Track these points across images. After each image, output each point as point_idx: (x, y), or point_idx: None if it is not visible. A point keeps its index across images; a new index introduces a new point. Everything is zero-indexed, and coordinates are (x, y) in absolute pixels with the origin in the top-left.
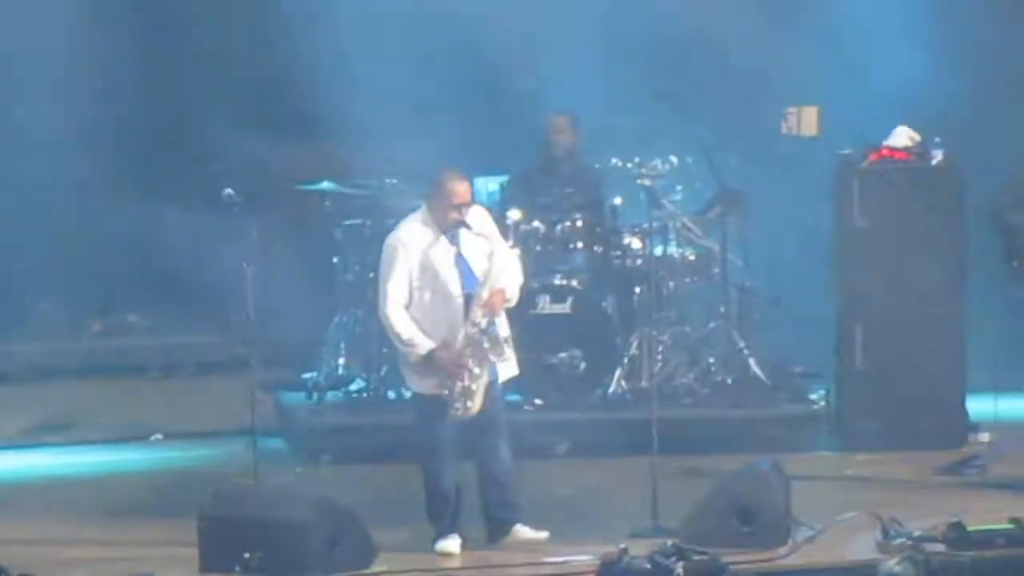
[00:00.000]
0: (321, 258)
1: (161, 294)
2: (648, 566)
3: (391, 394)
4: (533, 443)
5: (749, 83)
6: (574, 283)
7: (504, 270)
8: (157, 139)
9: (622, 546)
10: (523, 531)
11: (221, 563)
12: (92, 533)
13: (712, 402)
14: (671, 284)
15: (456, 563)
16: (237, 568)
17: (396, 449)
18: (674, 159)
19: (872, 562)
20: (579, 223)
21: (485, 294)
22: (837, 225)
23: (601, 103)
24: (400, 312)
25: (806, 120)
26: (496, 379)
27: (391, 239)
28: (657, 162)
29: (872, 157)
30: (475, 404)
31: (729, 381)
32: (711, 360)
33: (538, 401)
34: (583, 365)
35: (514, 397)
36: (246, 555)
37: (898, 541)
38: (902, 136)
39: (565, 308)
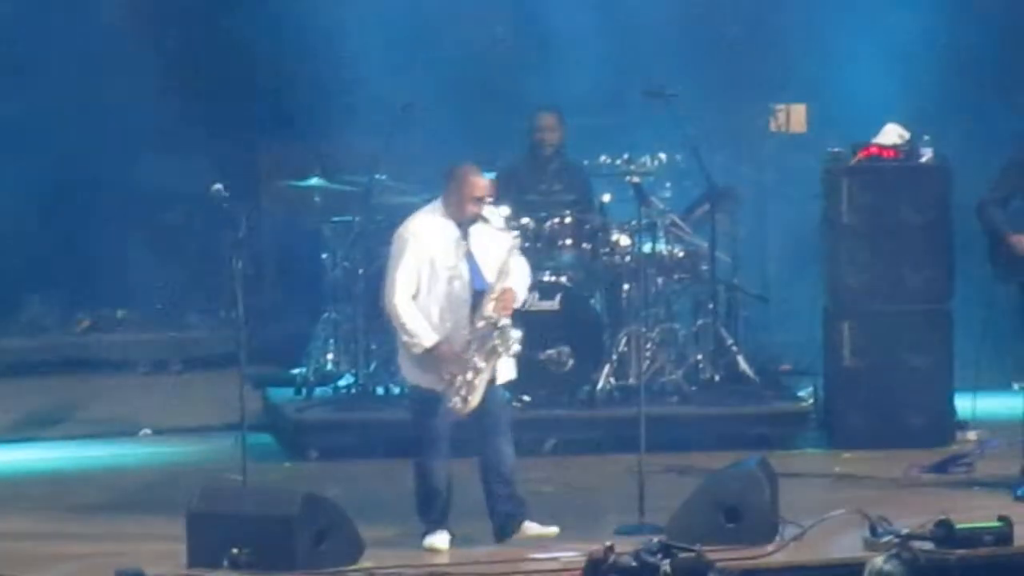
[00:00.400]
0: (310, 254)
1: (149, 290)
2: (634, 563)
3: (379, 390)
4: (520, 440)
5: (737, 81)
6: (562, 280)
7: (516, 270)
8: (146, 135)
9: (608, 544)
10: (533, 527)
11: (208, 559)
12: (79, 528)
13: (700, 399)
14: (659, 281)
15: (443, 559)
16: (225, 564)
17: (384, 445)
18: (663, 156)
19: (859, 560)
20: (567, 220)
21: (499, 288)
22: (825, 222)
23: (590, 100)
24: (408, 303)
25: (794, 117)
26: (500, 375)
27: (403, 229)
28: (646, 159)
29: (860, 155)
30: (474, 399)
31: (717, 378)
32: (699, 357)
33: (525, 398)
34: (571, 362)
35: None
36: (234, 551)
37: (885, 539)
38: (891, 134)
39: (553, 305)
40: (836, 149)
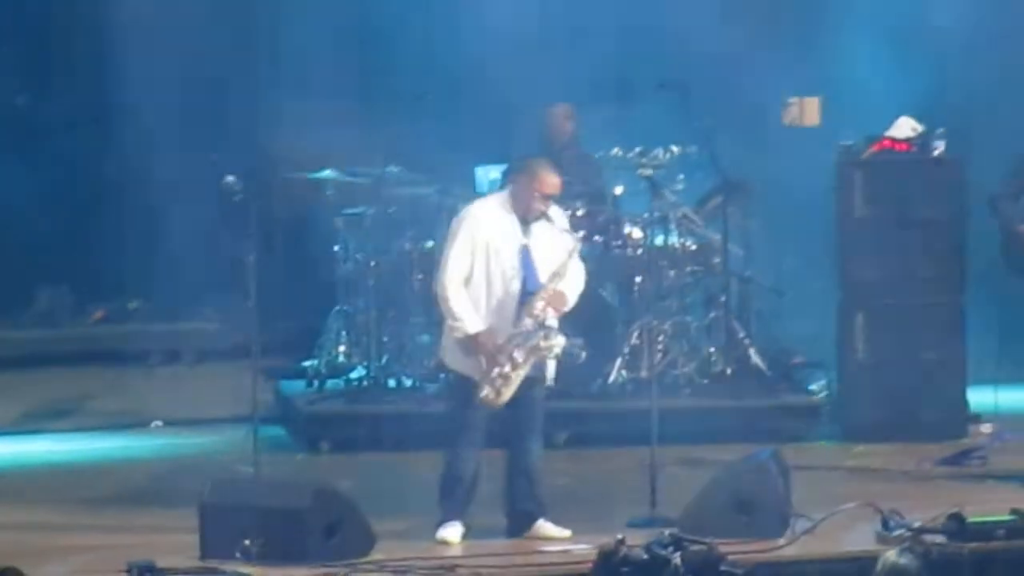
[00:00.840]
0: (322, 246)
1: (162, 281)
2: (646, 556)
3: (391, 382)
4: None
5: (751, 73)
6: None
7: (571, 273)
8: (158, 126)
9: (620, 536)
10: (547, 527)
11: (220, 550)
12: (91, 520)
13: (712, 392)
14: (672, 274)
15: (454, 552)
16: (237, 555)
17: (396, 437)
18: (675, 149)
19: (872, 553)
20: (580, 212)
21: (551, 288)
22: (838, 216)
23: (603, 93)
24: (458, 286)
25: (808, 110)
26: (542, 375)
27: (464, 212)
28: (658, 152)
29: (873, 148)
30: (507, 393)
31: (729, 371)
32: (711, 350)
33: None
34: (583, 354)
35: None
36: (245, 542)
37: (898, 532)
38: (904, 127)
39: None
40: (849, 142)
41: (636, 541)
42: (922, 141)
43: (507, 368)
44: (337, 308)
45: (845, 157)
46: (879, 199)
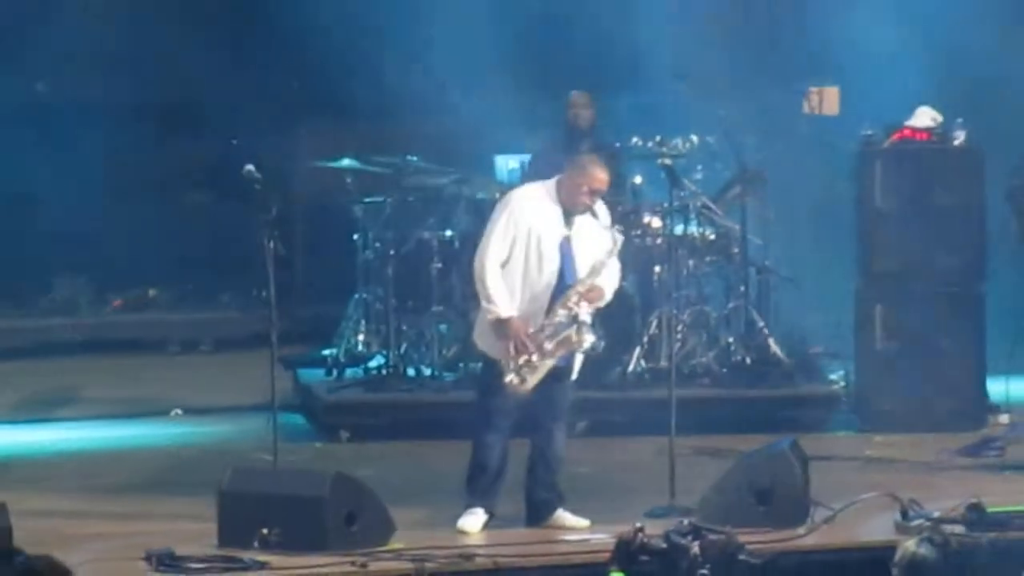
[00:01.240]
0: (341, 235)
1: (181, 270)
2: (664, 545)
3: (410, 371)
4: None
5: (770, 62)
6: None
7: (608, 270)
8: (179, 114)
9: (638, 525)
10: (565, 517)
11: (239, 539)
12: (110, 508)
13: (731, 382)
14: (691, 263)
15: (474, 540)
16: (255, 544)
17: (415, 426)
18: (695, 139)
19: (890, 543)
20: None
21: (588, 282)
22: (858, 205)
23: (622, 82)
24: (495, 268)
25: (827, 100)
26: (569, 367)
27: (511, 194)
28: (678, 141)
29: (893, 137)
30: (531, 381)
31: (748, 361)
32: (730, 340)
33: None
34: (602, 344)
35: None
36: (264, 531)
37: (917, 522)
38: (924, 116)
39: None
40: (869, 132)
41: (654, 531)
42: (942, 130)
43: (535, 357)
44: (356, 297)
45: (865, 147)
46: (899, 189)
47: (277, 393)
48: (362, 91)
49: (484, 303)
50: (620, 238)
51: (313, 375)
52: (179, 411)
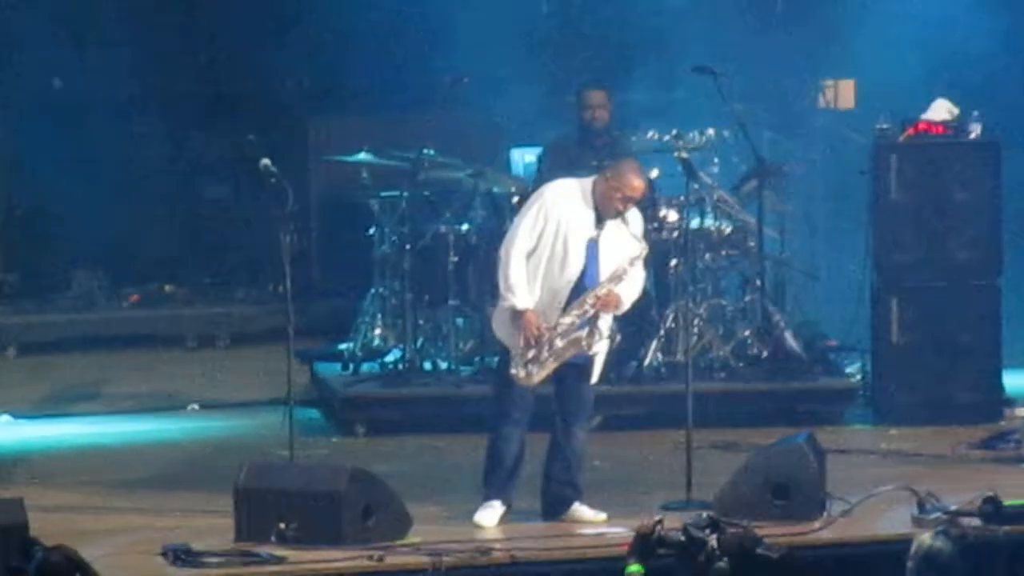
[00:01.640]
0: (357, 229)
1: (197, 264)
2: (682, 538)
3: (427, 365)
4: None
5: (786, 56)
6: None
7: (631, 278)
8: (194, 110)
9: (657, 517)
10: (582, 511)
11: (256, 533)
12: (127, 503)
13: (747, 375)
14: (707, 257)
15: (491, 535)
16: (272, 538)
17: (431, 421)
18: (711, 132)
19: (907, 536)
20: None
21: (607, 287)
22: (874, 198)
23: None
24: (520, 257)
25: (843, 93)
26: (586, 362)
27: (546, 187)
28: (694, 135)
29: (909, 131)
30: (538, 376)
31: (764, 354)
32: (746, 333)
33: None
34: (618, 338)
35: None
36: (281, 525)
37: (933, 515)
38: (940, 109)
39: None
40: (885, 125)
41: (672, 524)
42: (958, 124)
43: (544, 352)
44: (373, 291)
45: (881, 140)
46: (915, 182)
47: (293, 388)
48: (377, 84)
49: (503, 291)
50: (646, 249)
51: (329, 369)
52: (196, 406)
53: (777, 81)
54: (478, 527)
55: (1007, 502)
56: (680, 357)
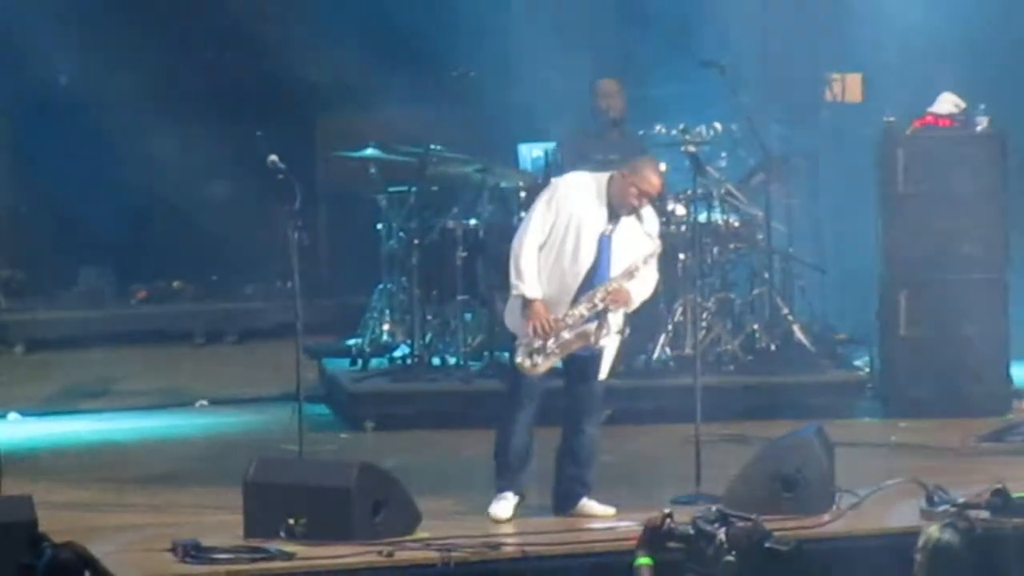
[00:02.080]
0: (365, 225)
1: (206, 261)
2: (691, 531)
3: (435, 361)
4: None
5: (793, 50)
6: None
7: (643, 276)
8: (202, 106)
9: (666, 511)
10: (591, 505)
11: (265, 529)
12: (136, 499)
13: (756, 369)
14: (715, 251)
15: (502, 529)
16: (281, 534)
17: (440, 416)
18: (718, 126)
19: (916, 529)
20: None
21: (618, 282)
22: (881, 192)
23: (647, 70)
24: (532, 248)
25: (850, 87)
26: (595, 358)
27: (560, 180)
28: (701, 129)
29: (916, 124)
30: (542, 366)
31: (773, 348)
32: (755, 327)
33: None
34: (627, 332)
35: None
36: (290, 521)
37: (942, 508)
38: (946, 103)
39: None
40: (891, 118)
41: (681, 518)
42: (965, 117)
43: (551, 342)
44: (381, 286)
45: (888, 133)
46: (922, 175)
47: (302, 383)
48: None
49: (513, 279)
50: (659, 248)
51: (338, 365)
52: (204, 402)
53: (784, 75)
54: (494, 520)
55: (1016, 494)
56: (689, 351)
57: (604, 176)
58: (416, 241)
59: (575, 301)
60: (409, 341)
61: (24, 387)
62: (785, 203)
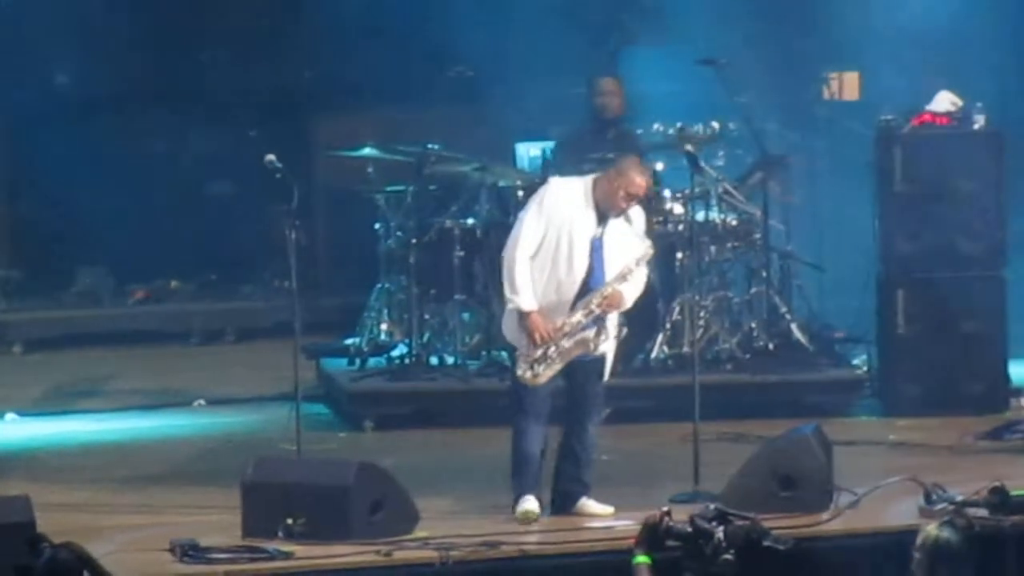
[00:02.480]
0: (363, 224)
1: (203, 260)
2: (689, 530)
3: (433, 360)
4: None
5: (791, 48)
6: None
7: (635, 277)
8: (199, 106)
9: (665, 509)
10: (590, 505)
11: (263, 529)
12: (134, 499)
13: (754, 367)
14: (713, 249)
15: (502, 528)
16: (280, 534)
17: (438, 415)
18: (716, 125)
19: (914, 527)
20: None
21: (613, 287)
22: (878, 190)
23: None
24: (524, 260)
25: (847, 85)
26: (597, 360)
27: (544, 188)
28: (699, 128)
29: (913, 122)
30: (544, 376)
31: (771, 346)
32: (753, 325)
33: None
34: (625, 331)
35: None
36: (288, 521)
37: (940, 506)
38: (944, 101)
39: None
40: (889, 116)
41: (679, 517)
42: (962, 115)
43: (551, 353)
44: (379, 286)
45: (885, 132)
46: (919, 173)
47: (300, 383)
48: (382, 79)
49: (508, 293)
50: (651, 249)
51: (336, 365)
52: (202, 402)
53: (782, 73)
54: (526, 519)
55: (1014, 492)
56: (687, 349)
57: (589, 180)
58: (414, 240)
59: (571, 309)
60: (407, 340)
61: (22, 387)
62: (783, 202)
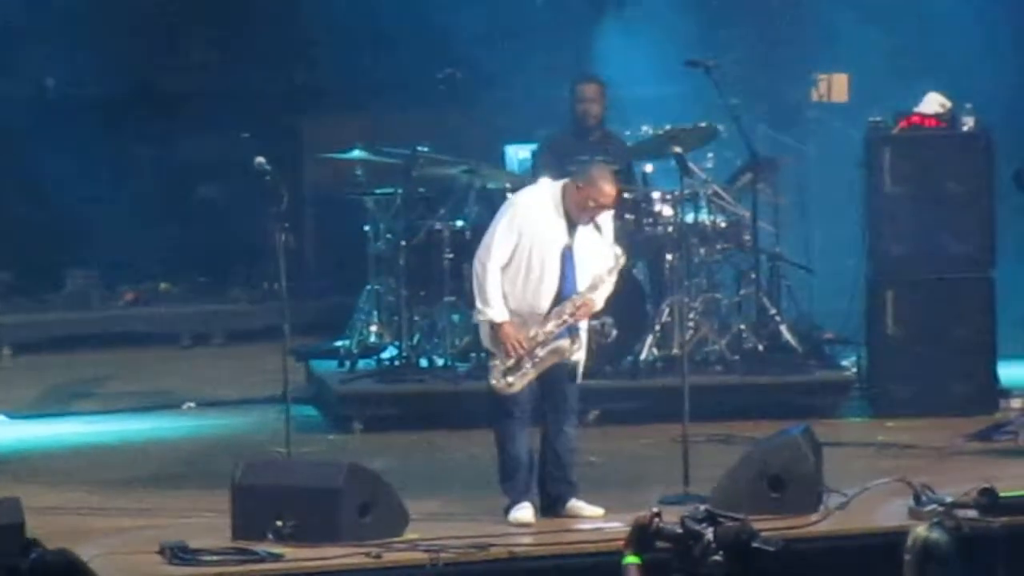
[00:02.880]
0: (352, 226)
1: (192, 263)
2: (679, 531)
3: (423, 362)
4: None
5: (779, 50)
6: None
7: (606, 287)
8: (189, 108)
9: (655, 510)
10: (579, 506)
11: (253, 531)
12: (123, 502)
13: (743, 369)
14: (702, 251)
15: (492, 530)
16: (269, 536)
17: (428, 417)
18: (704, 126)
19: (903, 528)
20: None
21: (585, 296)
22: (867, 192)
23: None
24: (495, 271)
25: (836, 87)
26: (572, 365)
27: (514, 197)
28: (688, 129)
29: (902, 124)
30: (517, 385)
31: (760, 348)
32: (742, 327)
33: None
34: (614, 332)
35: None
36: (278, 523)
37: (929, 507)
38: (932, 103)
39: None
40: (878, 118)
41: (669, 518)
42: (951, 117)
43: (525, 363)
44: (368, 288)
45: (874, 133)
46: (908, 175)
47: (290, 385)
48: (372, 81)
49: (479, 305)
50: (623, 258)
51: (325, 367)
52: (192, 404)
53: (771, 75)
54: (522, 524)
55: (1003, 493)
56: (676, 351)
57: (558, 188)
58: (403, 243)
59: (545, 318)
60: (397, 342)
61: (11, 389)
62: (772, 203)
